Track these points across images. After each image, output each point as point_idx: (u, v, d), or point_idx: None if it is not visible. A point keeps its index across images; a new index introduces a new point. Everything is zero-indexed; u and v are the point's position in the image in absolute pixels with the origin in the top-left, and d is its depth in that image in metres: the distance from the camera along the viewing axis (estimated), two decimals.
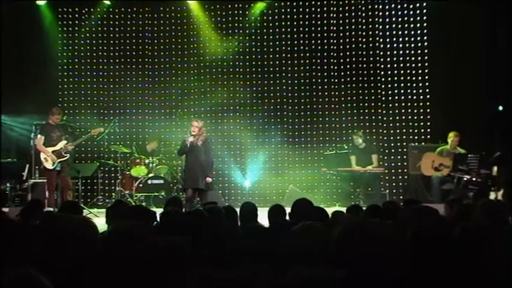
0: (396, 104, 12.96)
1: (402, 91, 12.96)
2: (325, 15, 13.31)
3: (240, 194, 13.07)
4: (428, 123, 12.83)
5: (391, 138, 12.96)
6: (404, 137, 12.91)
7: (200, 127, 9.71)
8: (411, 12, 13.02)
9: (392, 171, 12.79)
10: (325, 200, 12.32)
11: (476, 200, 8.46)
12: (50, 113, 10.92)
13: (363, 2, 13.19)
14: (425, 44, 12.92)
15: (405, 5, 13.07)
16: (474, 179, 9.24)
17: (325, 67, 13.22)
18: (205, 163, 9.74)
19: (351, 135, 12.68)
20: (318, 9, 13.34)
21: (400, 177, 12.84)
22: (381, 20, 13.10)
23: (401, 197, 12.55)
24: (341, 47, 13.22)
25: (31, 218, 5.53)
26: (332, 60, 13.23)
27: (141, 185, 11.78)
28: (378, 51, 13.08)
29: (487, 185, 9.27)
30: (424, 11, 12.96)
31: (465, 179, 9.39)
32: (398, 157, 12.86)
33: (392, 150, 12.91)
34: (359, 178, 12.03)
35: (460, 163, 9.82)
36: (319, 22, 13.33)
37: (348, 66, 13.16)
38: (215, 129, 13.13)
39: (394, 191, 12.76)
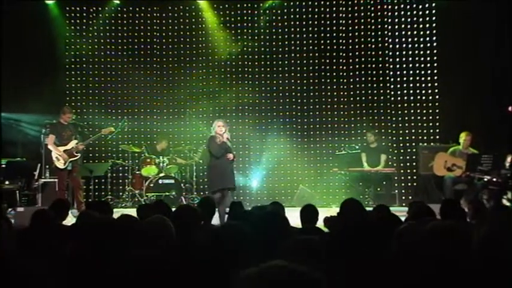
0: (405, 105, 12.97)
1: (411, 91, 12.97)
2: (334, 15, 13.31)
3: (249, 194, 13.03)
4: (437, 124, 12.85)
5: (400, 138, 12.97)
6: (413, 137, 12.92)
7: (225, 126, 9.58)
8: (420, 13, 13.03)
9: (402, 171, 12.78)
10: (335, 201, 12.30)
11: (497, 201, 8.52)
12: (60, 112, 10.84)
13: (372, 2, 13.18)
14: (435, 44, 12.94)
15: (414, 5, 13.07)
16: (495, 179, 9.24)
17: (335, 67, 13.22)
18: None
19: (360, 135, 12.71)
20: (327, 9, 13.33)
21: (409, 177, 12.84)
22: (390, 20, 13.10)
23: (410, 197, 12.58)
24: (350, 47, 13.21)
25: (58, 217, 5.49)
26: (341, 60, 13.22)
27: (152, 185, 11.72)
28: (387, 51, 13.09)
29: (507, 186, 9.26)
30: (433, 11, 12.97)
31: (485, 179, 9.40)
32: (408, 157, 12.87)
33: (402, 151, 12.90)
34: (369, 178, 12.01)
35: (473, 163, 9.82)
36: (328, 22, 13.32)
37: (357, 66, 13.15)
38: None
39: (403, 191, 12.74)
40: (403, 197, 12.56)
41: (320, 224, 5.74)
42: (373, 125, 12.84)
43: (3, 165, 11.09)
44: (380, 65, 13.10)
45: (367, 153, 12.07)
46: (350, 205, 4.77)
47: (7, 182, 11.06)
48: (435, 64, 12.92)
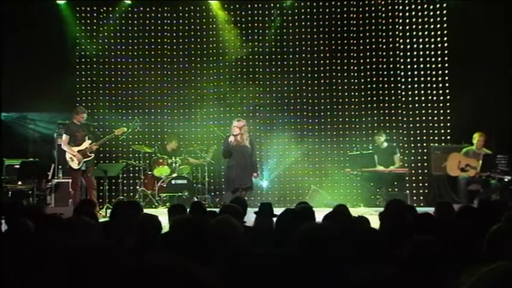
0: (417, 105, 12.95)
1: (422, 91, 12.95)
2: (345, 15, 13.28)
3: (259, 194, 12.97)
4: (449, 124, 12.83)
5: (411, 138, 12.94)
6: (424, 137, 12.90)
7: (241, 126, 9.55)
8: (431, 12, 13.01)
9: (413, 171, 12.76)
10: (346, 201, 12.26)
11: None
12: (74, 112, 10.86)
13: (383, 2, 13.17)
14: (446, 44, 12.93)
15: (425, 6, 13.06)
16: None
17: (345, 67, 13.20)
18: (253, 163, 9.63)
19: (371, 135, 12.73)
20: (338, 9, 13.31)
21: (420, 177, 12.83)
22: (401, 20, 13.09)
23: (421, 198, 12.59)
24: (361, 47, 13.19)
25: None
26: (352, 61, 13.20)
27: (164, 185, 11.69)
28: (398, 51, 13.07)
29: None
30: (444, 11, 12.96)
31: (506, 179, 9.42)
32: (419, 157, 12.85)
33: (413, 151, 12.87)
34: (382, 178, 11.98)
35: (489, 164, 9.84)
36: (339, 22, 13.30)
37: (369, 66, 13.14)
38: None
39: (415, 191, 12.73)
40: (415, 197, 12.56)
41: None
42: (384, 125, 12.86)
43: (17, 166, 11.06)
44: (391, 65, 13.08)
45: (378, 154, 12.06)
46: (396, 205, 4.77)
47: (20, 183, 11.05)
48: (446, 64, 12.90)
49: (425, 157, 12.75)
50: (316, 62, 13.30)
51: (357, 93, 13.17)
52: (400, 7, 13.12)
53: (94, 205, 5.88)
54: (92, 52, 13.21)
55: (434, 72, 12.96)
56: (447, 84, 12.89)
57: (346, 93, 13.21)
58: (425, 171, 12.75)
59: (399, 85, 13.07)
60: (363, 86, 13.15)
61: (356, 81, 13.17)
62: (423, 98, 12.96)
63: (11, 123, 12.40)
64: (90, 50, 13.19)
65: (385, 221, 4.19)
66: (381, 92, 13.13)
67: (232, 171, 9.42)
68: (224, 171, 10.07)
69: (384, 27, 13.15)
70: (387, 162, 11.98)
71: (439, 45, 12.96)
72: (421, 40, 13.01)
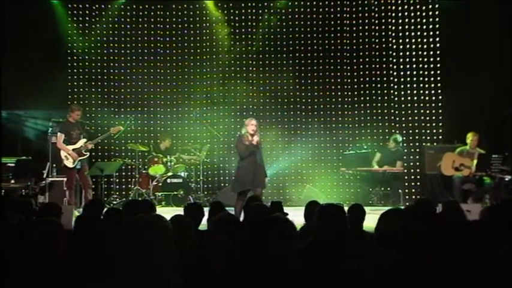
0: (409, 104, 13.02)
1: (415, 91, 13.02)
2: (338, 15, 13.34)
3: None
4: (441, 124, 12.92)
5: (404, 138, 12.99)
6: (417, 137, 12.98)
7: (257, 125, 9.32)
8: (424, 13, 13.11)
9: (405, 170, 12.84)
10: (340, 200, 12.32)
11: None
12: (69, 110, 10.78)
13: (376, 2, 13.24)
14: (438, 45, 13.01)
15: (418, 6, 13.14)
16: None
17: (339, 67, 13.28)
18: (263, 163, 9.41)
19: (364, 134, 12.84)
20: (332, 9, 13.36)
21: (413, 177, 12.91)
22: (393, 20, 13.15)
23: (413, 197, 12.67)
24: (354, 47, 13.26)
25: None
26: (346, 61, 13.28)
27: (160, 184, 11.66)
28: (391, 52, 13.13)
29: None
30: (437, 12, 13.06)
31: (506, 179, 9.53)
32: (411, 157, 12.92)
33: (405, 150, 12.96)
34: (377, 178, 12.05)
35: (484, 163, 9.95)
36: (331, 22, 13.35)
37: (362, 66, 13.22)
38: (228, 128, 13.06)
39: (407, 190, 12.80)
40: (407, 197, 12.63)
41: None
42: (377, 125, 12.97)
43: (10, 164, 10.93)
44: (384, 65, 13.16)
45: (383, 153, 12.14)
46: (425, 204, 4.76)
47: (13, 181, 10.92)
48: (438, 64, 13.00)
49: (417, 156, 12.82)
50: (309, 61, 13.36)
51: (350, 93, 13.25)
52: (393, 7, 13.19)
53: (102, 204, 5.82)
54: (85, 50, 13.11)
55: (426, 72, 13.03)
56: (439, 84, 12.98)
57: (339, 93, 13.28)
58: (418, 170, 12.82)
59: (392, 84, 13.14)
60: (356, 86, 13.24)
61: (349, 80, 13.27)
62: (415, 98, 13.02)
63: (3, 120, 12.27)
64: (83, 48, 13.08)
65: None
66: (373, 91, 13.21)
67: (245, 172, 9.09)
68: (235, 171, 9.77)
69: (377, 27, 13.22)
70: (389, 163, 12.07)
71: (431, 45, 13.03)
72: (413, 40, 13.08)
